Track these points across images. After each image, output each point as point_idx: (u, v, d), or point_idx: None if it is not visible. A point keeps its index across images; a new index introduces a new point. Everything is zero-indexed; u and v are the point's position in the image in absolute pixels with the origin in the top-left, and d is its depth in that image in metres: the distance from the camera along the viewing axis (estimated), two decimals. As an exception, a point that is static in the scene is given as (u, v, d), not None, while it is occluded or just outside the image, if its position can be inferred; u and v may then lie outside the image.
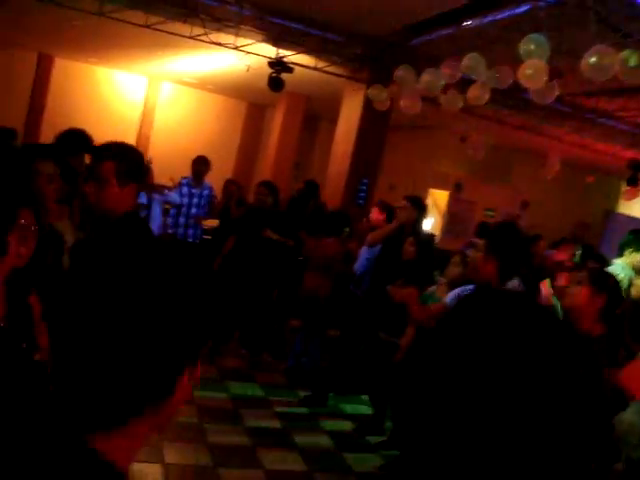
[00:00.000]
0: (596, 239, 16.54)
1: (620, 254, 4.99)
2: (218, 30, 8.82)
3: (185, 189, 7.98)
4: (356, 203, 9.73)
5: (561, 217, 15.68)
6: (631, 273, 4.79)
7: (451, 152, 14.86)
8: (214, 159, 8.37)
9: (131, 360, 0.91)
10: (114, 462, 0.93)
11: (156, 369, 0.93)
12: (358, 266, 6.83)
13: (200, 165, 8.07)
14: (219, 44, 9.13)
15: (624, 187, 13.82)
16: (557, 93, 6.52)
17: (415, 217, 5.75)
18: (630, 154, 12.19)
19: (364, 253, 6.57)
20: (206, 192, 8.06)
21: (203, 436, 4.79)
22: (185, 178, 8.14)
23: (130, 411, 0.93)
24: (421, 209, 5.90)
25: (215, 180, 8.52)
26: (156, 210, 7.25)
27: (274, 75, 9.39)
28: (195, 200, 7.96)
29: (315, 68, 9.75)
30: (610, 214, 17.01)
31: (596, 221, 16.85)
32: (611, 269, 4.74)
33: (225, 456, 4.59)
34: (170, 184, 7.98)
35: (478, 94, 7.18)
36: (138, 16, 8.56)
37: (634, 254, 4.86)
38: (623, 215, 17.05)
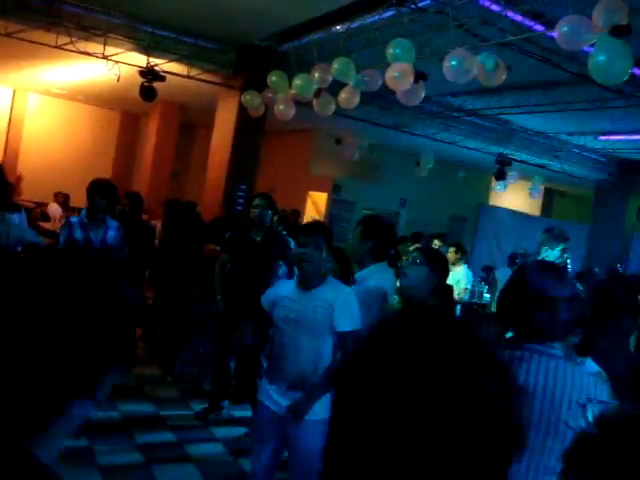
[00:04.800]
0: (471, 231, 17.35)
1: (538, 253, 5.25)
2: (86, 39, 8.60)
3: (79, 232, 5.58)
4: (235, 209, 9.73)
5: (437, 212, 16.32)
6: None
7: (328, 154, 15.13)
8: (89, 171, 8.15)
9: (47, 360, 0.91)
10: (44, 463, 0.93)
11: (76, 368, 0.93)
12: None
13: (99, 194, 5.55)
14: (87, 53, 8.90)
15: (494, 181, 14.57)
16: (423, 95, 6.77)
17: (270, 217, 5.82)
18: (495, 149, 12.88)
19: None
20: (111, 233, 5.73)
21: (93, 458, 4.66)
22: (75, 216, 6.06)
23: (51, 411, 0.93)
24: (274, 209, 5.97)
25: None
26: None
27: (146, 84, 9.26)
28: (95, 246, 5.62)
29: (188, 76, 9.69)
30: (482, 207, 17.85)
31: (470, 214, 17.64)
32: None
33: (118, 476, 4.49)
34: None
35: (349, 97, 7.36)
36: (-3, 24, 8.21)
37: (551, 252, 5.14)
38: (494, 207, 17.96)
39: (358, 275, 4.11)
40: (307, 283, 3.52)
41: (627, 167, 14.67)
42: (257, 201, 5.72)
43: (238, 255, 5.73)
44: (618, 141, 12.18)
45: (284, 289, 3.65)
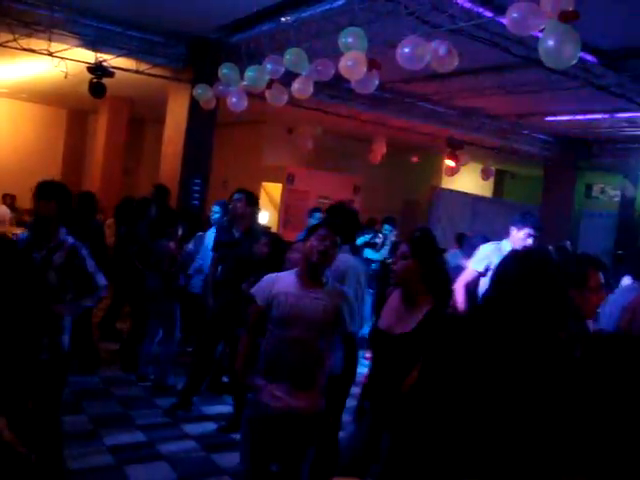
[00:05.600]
0: (424, 214, 17.53)
1: (507, 234, 5.29)
2: (29, 36, 8.37)
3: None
4: (191, 203, 9.66)
5: (391, 197, 16.44)
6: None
7: (281, 144, 15.11)
8: (37, 171, 7.94)
9: None
10: None
11: None
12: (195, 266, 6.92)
13: (45, 197, 3.86)
14: (31, 50, 8.68)
15: (445, 164, 14.75)
16: (377, 82, 6.80)
17: (250, 212, 5.80)
18: (447, 132, 13.03)
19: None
20: (59, 255, 3.90)
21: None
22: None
23: None
24: (254, 204, 5.95)
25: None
26: None
27: (95, 80, 9.08)
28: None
29: (137, 71, 9.54)
30: (435, 190, 18.03)
31: (423, 198, 17.82)
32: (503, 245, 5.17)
33: None
34: None
35: (302, 87, 7.34)
36: None
37: (517, 232, 5.19)
38: (447, 190, 18.17)
39: None
40: (315, 280, 3.40)
41: (574, 146, 14.99)
42: (236, 196, 5.71)
43: (223, 253, 5.72)
44: (565, 121, 12.43)
45: (284, 283, 3.42)
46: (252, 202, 5.78)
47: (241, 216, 5.66)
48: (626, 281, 5.12)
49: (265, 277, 3.54)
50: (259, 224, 6.50)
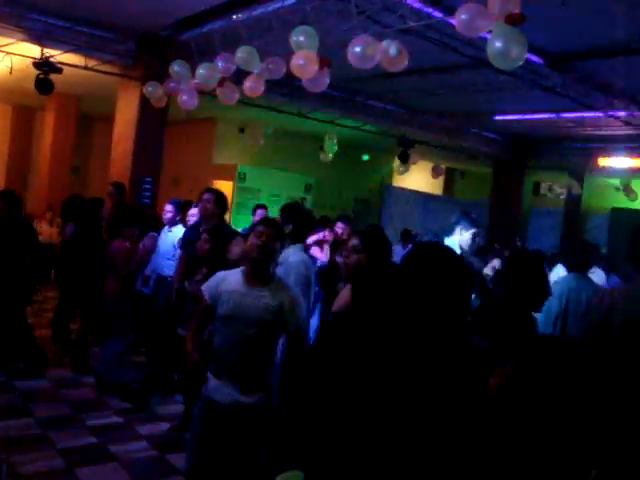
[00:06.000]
0: (376, 212, 17.69)
1: (450, 233, 5.35)
2: (-29, 29, 8.17)
3: None
4: (142, 202, 9.55)
5: (342, 195, 16.53)
6: (458, 251, 5.20)
7: (231, 143, 15.04)
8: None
9: None
10: None
11: None
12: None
13: None
14: (-26, 45, 8.49)
15: (396, 162, 14.89)
16: (328, 81, 6.83)
17: (218, 212, 5.82)
18: (398, 131, 13.16)
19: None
20: None
21: (11, 470, 4.51)
22: None
23: None
24: (224, 204, 5.96)
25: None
26: None
27: (42, 76, 8.90)
28: None
29: (85, 67, 9.38)
30: (387, 188, 18.20)
31: (374, 196, 17.96)
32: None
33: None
34: None
35: (253, 85, 7.32)
36: None
37: (464, 233, 5.26)
38: (397, 188, 18.36)
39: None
40: (259, 277, 3.41)
41: (522, 145, 15.31)
42: (205, 196, 5.71)
43: (189, 252, 5.70)
44: (513, 121, 12.68)
45: (230, 282, 3.45)
46: (222, 202, 5.83)
47: (210, 216, 5.66)
48: (560, 271, 5.61)
49: (215, 275, 3.58)
50: (227, 224, 6.53)
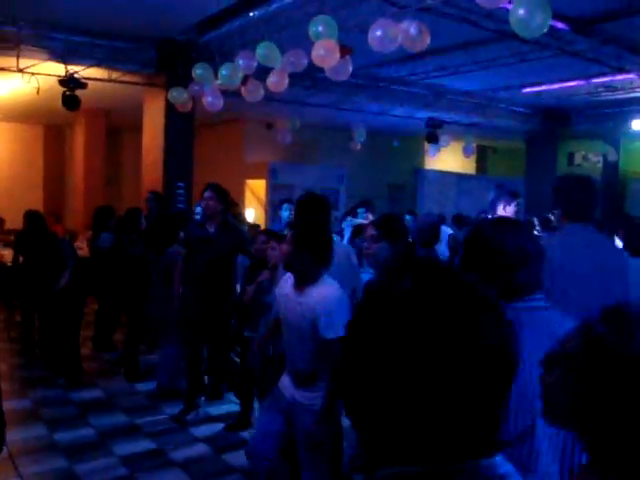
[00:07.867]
0: (410, 197, 17.58)
1: (493, 211, 5.17)
2: (-4, 54, 8.30)
3: None
4: (176, 208, 9.61)
5: (375, 183, 16.44)
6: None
7: (260, 140, 15.05)
8: (19, 191, 7.83)
9: None
10: None
11: None
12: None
13: None
14: (0, 69, 8.62)
15: (427, 145, 14.76)
16: (351, 68, 6.79)
17: (221, 208, 5.69)
18: (425, 114, 13.02)
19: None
20: None
21: (77, 479, 4.58)
22: None
23: None
24: (225, 199, 5.87)
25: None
26: None
27: (68, 93, 9.02)
28: None
29: (110, 80, 9.48)
30: (418, 172, 18.05)
31: (407, 181, 17.83)
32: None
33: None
34: None
35: (277, 80, 7.33)
36: None
37: (507, 208, 5.11)
38: (430, 171, 18.20)
39: None
40: (302, 282, 3.39)
41: (553, 116, 15.03)
42: (206, 194, 5.68)
43: (193, 249, 5.68)
44: (541, 92, 12.45)
45: (287, 285, 3.50)
46: (224, 198, 5.72)
47: (214, 213, 5.61)
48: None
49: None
50: (232, 218, 6.45)
